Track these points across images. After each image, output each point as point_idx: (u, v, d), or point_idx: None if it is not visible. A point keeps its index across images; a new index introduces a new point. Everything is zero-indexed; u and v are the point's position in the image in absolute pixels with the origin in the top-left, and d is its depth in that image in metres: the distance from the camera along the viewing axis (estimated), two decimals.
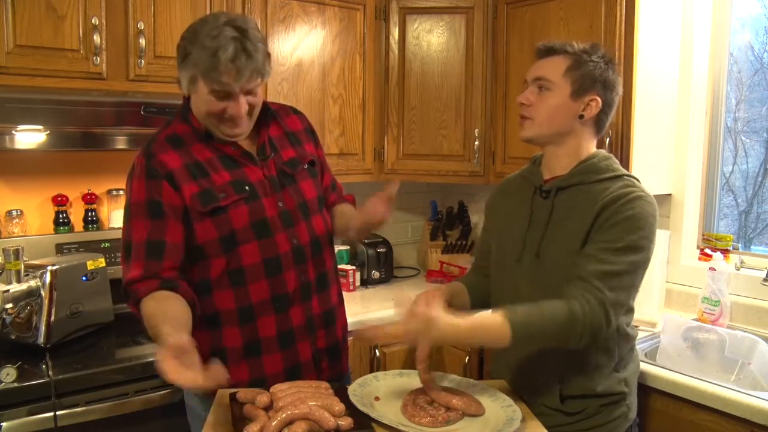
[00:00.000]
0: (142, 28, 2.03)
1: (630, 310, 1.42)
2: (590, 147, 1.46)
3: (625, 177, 1.42)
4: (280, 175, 1.53)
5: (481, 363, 2.28)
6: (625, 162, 2.13)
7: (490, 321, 1.29)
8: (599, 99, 1.41)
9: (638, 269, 1.34)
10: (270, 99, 1.89)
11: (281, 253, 1.48)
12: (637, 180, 1.43)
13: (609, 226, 1.33)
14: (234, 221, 1.43)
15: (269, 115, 1.55)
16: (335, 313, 1.62)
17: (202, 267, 1.46)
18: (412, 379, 1.46)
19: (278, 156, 1.55)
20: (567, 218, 1.41)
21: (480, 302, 1.61)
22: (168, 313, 1.29)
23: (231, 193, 1.44)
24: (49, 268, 1.88)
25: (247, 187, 1.46)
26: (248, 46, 1.35)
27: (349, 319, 1.78)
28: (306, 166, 1.59)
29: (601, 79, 1.40)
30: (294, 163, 1.57)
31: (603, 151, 1.48)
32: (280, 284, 1.48)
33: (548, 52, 1.44)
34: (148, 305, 1.32)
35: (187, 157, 1.44)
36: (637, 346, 1.77)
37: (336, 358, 1.62)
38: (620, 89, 1.47)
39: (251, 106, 1.44)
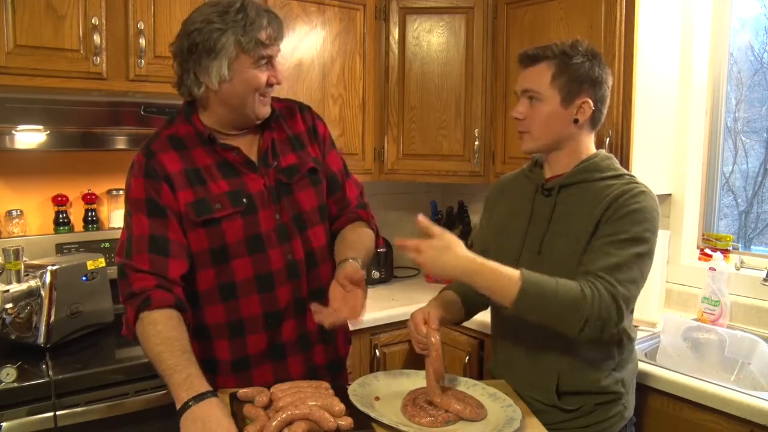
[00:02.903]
0: (142, 28, 2.03)
1: (630, 311, 1.42)
2: (589, 144, 1.47)
3: (626, 176, 1.44)
4: (278, 184, 1.46)
5: (481, 363, 2.29)
6: (625, 162, 2.13)
7: (505, 269, 1.29)
8: (590, 100, 1.40)
9: (644, 261, 1.34)
10: None
11: (274, 270, 1.43)
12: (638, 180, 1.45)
13: (614, 220, 1.34)
14: (227, 235, 1.39)
15: (273, 117, 1.50)
16: (335, 328, 1.55)
17: (189, 279, 1.40)
18: (412, 379, 1.46)
19: (278, 163, 1.48)
20: (570, 215, 1.41)
21: (474, 310, 1.59)
22: (193, 359, 1.24)
23: (227, 205, 1.39)
24: (49, 268, 1.87)
25: (245, 200, 1.41)
26: (268, 9, 1.40)
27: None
28: (306, 174, 1.51)
29: (587, 78, 1.39)
30: (291, 171, 1.49)
31: (604, 151, 1.50)
32: (272, 301, 1.44)
33: (530, 60, 1.43)
34: (164, 325, 1.26)
35: (187, 161, 1.41)
36: (637, 346, 1.78)
37: (337, 373, 1.58)
38: (610, 80, 1.46)
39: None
